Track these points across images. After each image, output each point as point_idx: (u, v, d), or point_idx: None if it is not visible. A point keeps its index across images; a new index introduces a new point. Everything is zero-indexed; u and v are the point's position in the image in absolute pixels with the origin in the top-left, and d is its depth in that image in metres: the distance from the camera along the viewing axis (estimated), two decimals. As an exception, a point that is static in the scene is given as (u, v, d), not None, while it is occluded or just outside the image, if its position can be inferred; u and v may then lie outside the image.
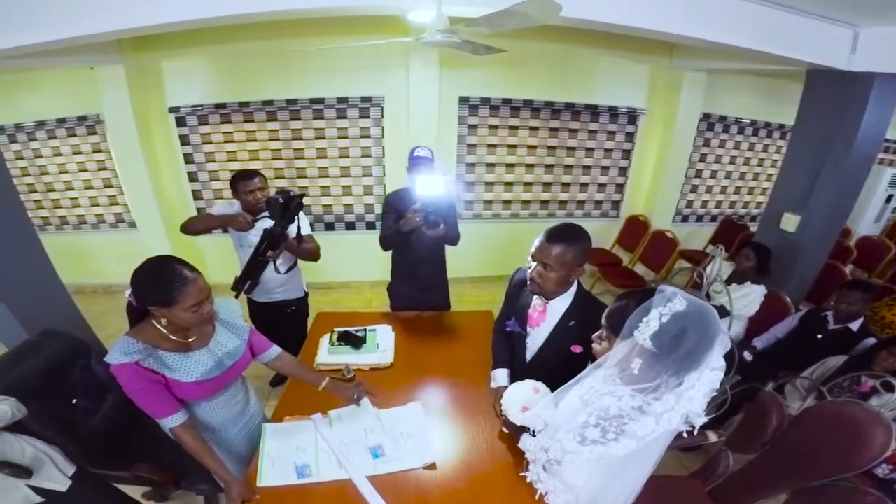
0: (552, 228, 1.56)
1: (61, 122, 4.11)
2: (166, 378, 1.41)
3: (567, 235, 1.53)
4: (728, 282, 2.95)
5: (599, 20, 2.34)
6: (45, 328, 2.09)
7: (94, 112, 4.01)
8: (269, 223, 2.27)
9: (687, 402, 1.04)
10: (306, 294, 2.91)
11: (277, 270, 2.41)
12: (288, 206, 2.18)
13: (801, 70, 3.09)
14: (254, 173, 2.46)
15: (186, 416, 1.48)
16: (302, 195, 2.24)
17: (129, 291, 1.38)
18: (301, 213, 2.38)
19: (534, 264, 1.59)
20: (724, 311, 2.71)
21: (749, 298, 2.92)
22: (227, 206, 2.58)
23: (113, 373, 1.35)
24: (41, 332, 2.04)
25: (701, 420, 1.05)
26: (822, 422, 1.70)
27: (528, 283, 1.64)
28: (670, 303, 1.04)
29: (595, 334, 1.27)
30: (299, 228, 2.35)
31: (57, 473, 1.63)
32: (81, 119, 4.08)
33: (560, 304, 1.66)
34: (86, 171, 4.35)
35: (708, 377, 1.04)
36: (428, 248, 2.57)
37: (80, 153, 4.26)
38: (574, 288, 1.66)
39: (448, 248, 2.67)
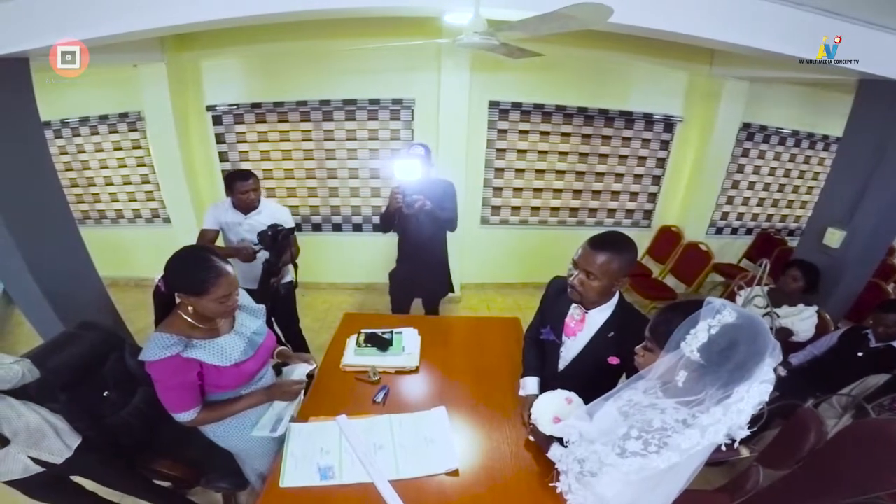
0: (597, 236, 1.52)
1: (104, 118, 4.26)
2: (203, 368, 1.43)
3: (613, 244, 1.49)
4: (776, 303, 2.85)
5: (640, 25, 2.30)
6: (82, 320, 2.13)
7: (136, 109, 4.15)
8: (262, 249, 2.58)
9: (735, 414, 1.02)
10: (293, 279, 2.97)
11: (279, 291, 2.78)
12: (276, 238, 2.50)
13: (851, 80, 2.96)
14: (248, 174, 2.62)
15: (200, 406, 1.49)
16: (291, 229, 2.62)
17: (159, 276, 1.41)
18: (287, 215, 2.74)
19: (576, 272, 1.55)
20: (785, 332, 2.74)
21: (809, 322, 2.82)
22: (214, 208, 2.74)
23: (148, 370, 1.36)
24: (79, 324, 2.09)
25: (743, 433, 1.04)
26: (862, 439, 1.68)
27: (569, 290, 1.59)
28: (719, 314, 1.02)
29: (638, 346, 1.23)
30: (293, 255, 2.70)
31: (58, 445, 1.65)
32: (123, 116, 4.22)
33: (600, 315, 1.62)
34: (125, 166, 4.50)
35: (757, 389, 1.02)
36: (428, 233, 2.75)
37: (120, 149, 4.41)
38: (616, 298, 1.62)
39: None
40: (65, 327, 2.71)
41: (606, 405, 1.27)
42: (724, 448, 1.08)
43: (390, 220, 2.71)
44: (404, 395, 1.99)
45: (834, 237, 3.13)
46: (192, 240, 4.26)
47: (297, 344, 3.19)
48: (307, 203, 4.50)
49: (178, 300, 1.41)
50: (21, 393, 1.60)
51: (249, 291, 2.56)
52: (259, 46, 3.81)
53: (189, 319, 1.42)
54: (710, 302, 1.05)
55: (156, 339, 1.35)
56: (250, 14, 2.26)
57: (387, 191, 4.45)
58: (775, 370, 2.14)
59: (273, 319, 2.88)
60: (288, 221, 2.71)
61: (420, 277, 2.92)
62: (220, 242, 2.81)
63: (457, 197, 2.82)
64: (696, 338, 1.02)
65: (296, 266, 2.87)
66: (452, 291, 3.14)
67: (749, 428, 1.05)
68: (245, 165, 4.34)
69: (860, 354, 2.61)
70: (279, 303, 2.87)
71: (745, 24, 2.44)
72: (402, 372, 2.14)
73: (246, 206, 2.64)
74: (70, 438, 1.69)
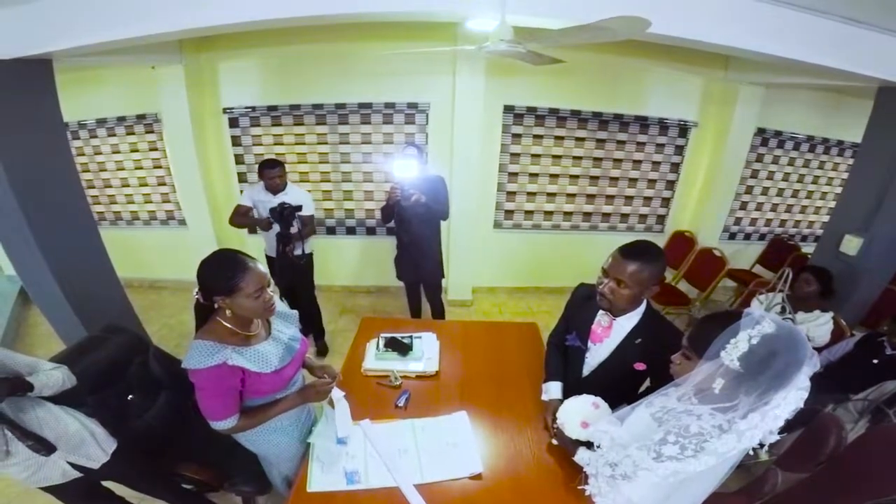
0: (628, 245, 1.53)
1: (121, 120, 4.29)
2: (245, 374, 1.44)
3: (644, 253, 1.50)
4: (792, 309, 2.85)
5: (658, 33, 2.28)
6: (107, 323, 2.15)
7: (153, 111, 4.18)
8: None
9: (771, 420, 1.05)
10: (312, 252, 3.53)
11: (293, 256, 3.24)
12: (282, 213, 3.06)
13: (871, 87, 2.94)
14: (276, 163, 3.18)
15: (239, 413, 1.50)
16: (298, 207, 3.12)
17: (196, 289, 1.42)
18: (307, 199, 3.28)
19: (606, 280, 1.56)
20: None
21: (825, 328, 2.81)
22: (250, 189, 3.38)
23: (192, 378, 1.37)
24: (104, 328, 2.10)
25: (773, 438, 1.07)
26: (885, 442, 1.70)
27: (598, 298, 1.60)
28: (759, 325, 1.06)
29: (675, 355, 1.25)
30: (299, 229, 3.20)
31: (95, 451, 1.67)
32: (140, 117, 4.25)
33: (627, 322, 1.63)
34: (141, 168, 4.53)
35: (794, 397, 1.05)
36: (421, 223, 3.17)
37: (137, 151, 4.44)
38: (643, 306, 1.63)
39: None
40: (85, 329, 2.75)
41: (638, 411, 1.30)
42: (750, 452, 1.11)
43: (390, 211, 3.15)
44: (425, 400, 1.99)
45: (851, 244, 3.11)
46: (207, 242, 4.38)
47: (311, 310, 3.72)
48: (322, 206, 4.50)
49: (216, 307, 1.42)
50: (55, 397, 1.62)
51: (272, 259, 3.37)
52: (276, 49, 3.84)
53: (228, 325, 1.42)
54: (750, 313, 1.08)
55: (197, 346, 1.36)
56: (271, 17, 2.27)
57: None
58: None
59: (291, 290, 3.52)
60: (307, 203, 3.26)
61: (417, 263, 3.35)
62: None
63: (447, 189, 3.23)
64: (736, 347, 1.06)
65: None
66: (444, 276, 3.60)
67: (784, 432, 1.09)
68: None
69: (876, 361, 2.58)
70: (299, 272, 3.42)
71: (764, 32, 2.43)
72: (422, 377, 2.15)
73: (274, 188, 3.20)
74: (107, 443, 1.72)
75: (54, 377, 1.56)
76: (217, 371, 1.35)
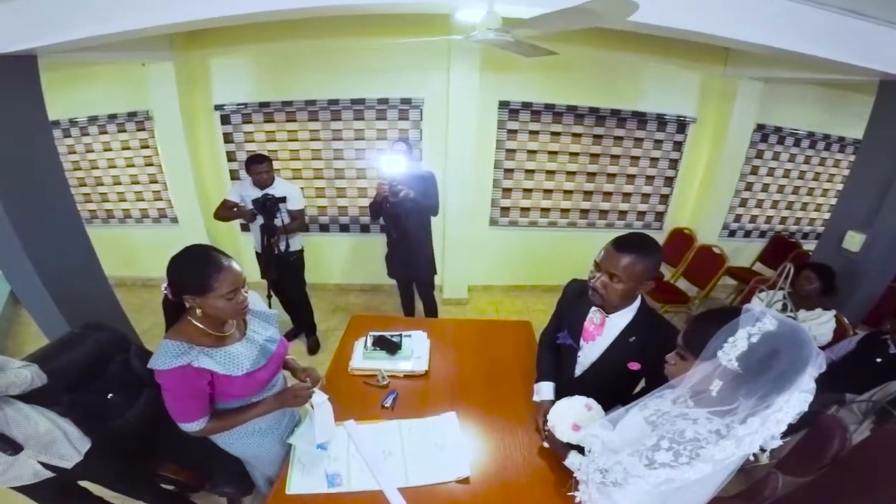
0: (622, 237, 1.47)
1: (112, 117, 4.25)
2: (214, 377, 1.38)
3: (639, 245, 1.43)
4: (794, 307, 2.80)
5: (653, 23, 2.24)
6: (87, 321, 2.10)
7: (144, 108, 4.14)
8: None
9: (773, 424, 0.98)
10: (302, 248, 3.57)
11: (278, 249, 3.28)
12: (265, 204, 3.10)
13: (872, 81, 2.89)
14: (263, 159, 3.21)
15: (209, 415, 1.45)
16: (282, 198, 3.17)
17: (165, 284, 1.36)
18: (295, 193, 3.31)
19: (598, 274, 1.49)
20: None
21: (827, 327, 2.76)
22: (239, 185, 3.44)
23: (157, 378, 1.32)
24: (84, 325, 2.05)
25: (776, 443, 1.00)
26: (893, 444, 1.65)
27: (590, 293, 1.54)
28: (759, 322, 0.98)
29: (670, 354, 1.18)
30: (282, 220, 3.22)
31: (68, 450, 1.62)
32: (131, 115, 4.20)
33: (621, 319, 1.56)
34: (133, 166, 4.48)
35: (797, 400, 0.98)
36: (410, 219, 3.13)
37: (128, 149, 4.39)
38: (637, 302, 1.57)
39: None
40: (70, 328, 2.70)
41: (632, 414, 1.24)
42: (751, 458, 1.04)
43: (378, 207, 3.11)
44: (413, 400, 1.95)
45: (854, 240, 3.06)
46: (199, 240, 4.30)
47: (302, 307, 3.74)
48: (315, 203, 4.46)
49: (187, 305, 1.36)
50: (25, 395, 1.57)
51: (258, 255, 3.43)
52: (267, 45, 3.79)
53: (199, 325, 1.37)
54: (749, 309, 1.01)
55: (165, 346, 1.31)
56: (262, 10, 2.22)
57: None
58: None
59: (280, 286, 3.56)
60: (294, 196, 3.28)
61: (408, 261, 3.33)
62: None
63: (437, 185, 3.21)
64: (734, 346, 0.98)
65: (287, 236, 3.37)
66: (436, 273, 3.54)
67: (788, 436, 1.02)
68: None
69: (879, 360, 2.53)
70: (288, 268, 3.45)
71: (762, 23, 2.38)
72: (411, 376, 2.10)
73: (261, 183, 3.23)
74: (80, 443, 1.67)
75: (22, 375, 1.52)
76: (181, 372, 1.30)
